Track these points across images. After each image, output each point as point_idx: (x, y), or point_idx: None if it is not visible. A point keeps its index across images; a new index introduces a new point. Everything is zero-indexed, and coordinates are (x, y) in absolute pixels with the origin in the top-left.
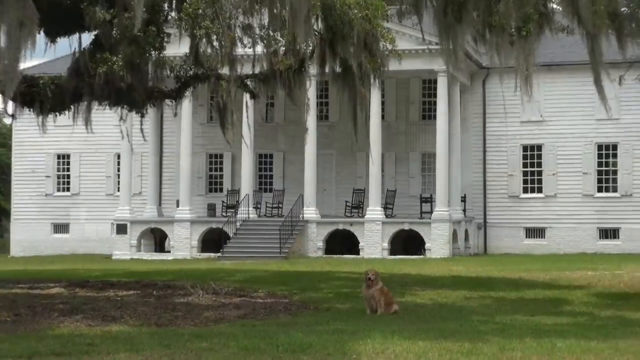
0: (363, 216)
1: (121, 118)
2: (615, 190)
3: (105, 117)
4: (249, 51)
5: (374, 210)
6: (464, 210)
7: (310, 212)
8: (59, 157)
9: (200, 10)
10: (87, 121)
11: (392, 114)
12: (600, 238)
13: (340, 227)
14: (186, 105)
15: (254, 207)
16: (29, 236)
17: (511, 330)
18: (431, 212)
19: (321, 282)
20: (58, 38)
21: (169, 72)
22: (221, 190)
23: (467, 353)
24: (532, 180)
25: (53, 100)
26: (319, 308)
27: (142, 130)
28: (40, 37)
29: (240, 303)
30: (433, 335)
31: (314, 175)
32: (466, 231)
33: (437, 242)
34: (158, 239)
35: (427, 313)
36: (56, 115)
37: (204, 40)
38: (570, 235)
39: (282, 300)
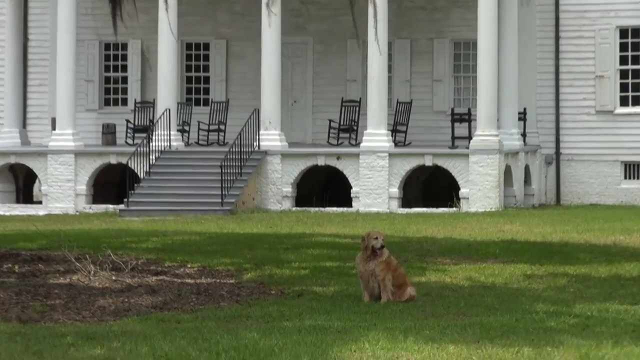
0: (358, 144)
1: None
2: None
3: None
4: None
5: (376, 135)
6: (524, 135)
7: (271, 137)
8: None
9: None
10: None
11: None
12: None
13: (321, 162)
14: None
15: (179, 131)
16: None
17: (599, 328)
18: (469, 138)
19: (289, 252)
20: None
21: None
22: (125, 102)
23: None
24: (636, 86)
25: None
26: (286, 292)
27: None
28: None
29: (158, 285)
30: (472, 335)
31: (278, 77)
32: (527, 168)
33: (480, 187)
34: (22, 182)
35: (462, 300)
36: None
37: None
38: None
39: (225, 281)
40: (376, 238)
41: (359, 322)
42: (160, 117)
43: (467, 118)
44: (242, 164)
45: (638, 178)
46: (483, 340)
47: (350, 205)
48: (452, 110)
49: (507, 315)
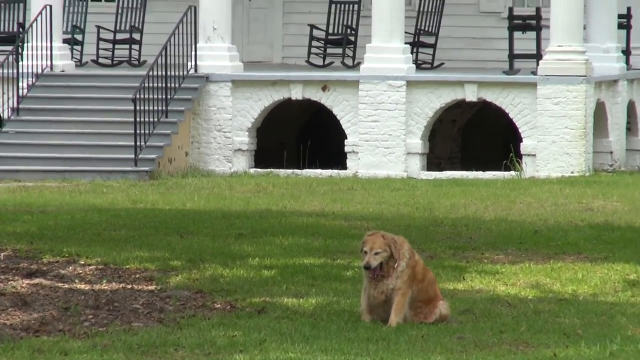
0: (356, 66)
1: None
2: None
3: None
4: None
5: (387, 51)
6: (627, 53)
7: (216, 54)
8: None
9: None
10: None
11: None
12: None
13: (297, 94)
14: None
15: (67, 42)
16: None
17: None
18: (537, 57)
19: (244, 241)
20: None
21: None
22: None
23: None
24: None
25: None
26: (239, 307)
27: None
28: None
29: (32, 293)
30: None
31: None
32: (631, 107)
33: (554, 137)
34: None
35: (524, 321)
36: None
37: None
38: None
39: (140, 287)
40: (366, 252)
41: (356, 356)
42: (36, 20)
43: (534, 24)
44: (169, 96)
45: None
46: None
47: (343, 166)
48: (511, 10)
49: (596, 346)
